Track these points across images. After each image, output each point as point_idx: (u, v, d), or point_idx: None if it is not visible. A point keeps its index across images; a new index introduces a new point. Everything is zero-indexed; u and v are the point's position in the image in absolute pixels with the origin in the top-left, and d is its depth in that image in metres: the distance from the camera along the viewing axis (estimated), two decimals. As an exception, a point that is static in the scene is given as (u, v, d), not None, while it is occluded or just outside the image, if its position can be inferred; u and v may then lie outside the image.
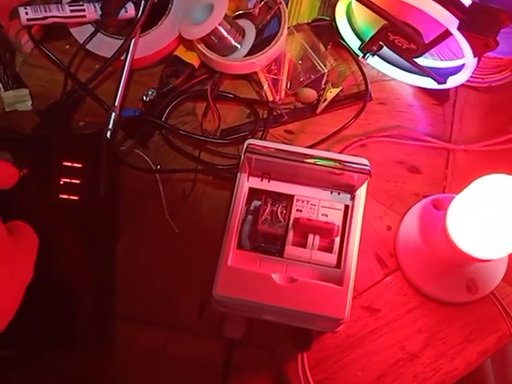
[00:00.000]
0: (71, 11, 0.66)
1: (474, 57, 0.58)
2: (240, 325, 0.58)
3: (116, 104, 0.65)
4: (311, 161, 0.50)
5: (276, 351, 0.59)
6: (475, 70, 0.62)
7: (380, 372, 0.59)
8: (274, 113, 0.67)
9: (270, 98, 0.68)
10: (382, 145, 0.67)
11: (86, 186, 0.57)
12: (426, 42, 0.61)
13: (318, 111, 0.68)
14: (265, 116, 0.68)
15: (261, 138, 0.66)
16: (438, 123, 0.69)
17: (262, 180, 0.55)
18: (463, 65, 0.61)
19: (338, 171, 0.50)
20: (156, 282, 0.62)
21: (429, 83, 0.68)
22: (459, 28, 0.55)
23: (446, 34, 0.57)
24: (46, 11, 0.65)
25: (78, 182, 0.57)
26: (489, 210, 0.49)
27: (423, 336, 0.60)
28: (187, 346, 0.60)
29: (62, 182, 0.57)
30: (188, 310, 0.60)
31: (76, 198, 0.57)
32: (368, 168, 0.49)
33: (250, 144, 0.50)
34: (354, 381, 0.58)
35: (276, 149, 0.51)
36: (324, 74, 0.68)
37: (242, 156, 0.52)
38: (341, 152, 0.66)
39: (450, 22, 0.55)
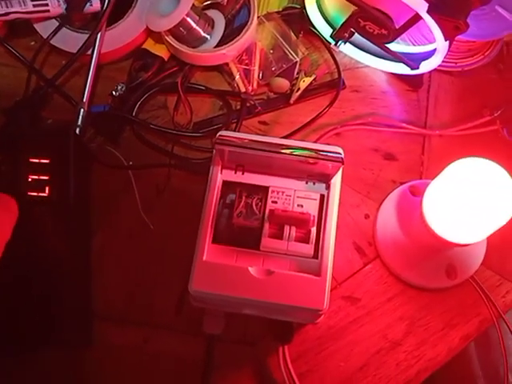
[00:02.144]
0: (34, 6, 0.64)
1: (445, 40, 0.57)
2: (219, 320, 0.57)
3: (84, 100, 0.63)
4: (283, 151, 0.49)
5: (257, 345, 0.58)
6: (448, 54, 0.61)
7: (363, 361, 0.58)
8: (247, 104, 0.66)
9: (243, 89, 0.67)
10: (356, 133, 0.67)
11: (56, 182, 0.56)
12: (397, 26, 0.60)
13: (291, 101, 0.67)
14: (238, 107, 0.67)
15: (235, 130, 0.65)
16: (413, 109, 0.69)
17: (235, 172, 0.54)
18: (435, 49, 0.61)
19: (311, 160, 0.49)
20: (132, 279, 0.60)
21: (402, 69, 0.67)
22: (429, 11, 0.54)
23: (416, 17, 0.57)
24: (7, 7, 0.63)
25: (46, 178, 0.56)
26: (463, 194, 0.49)
27: (405, 323, 0.60)
28: (167, 343, 0.59)
29: (30, 179, 0.56)
30: (166, 306, 0.59)
31: (45, 194, 0.56)
32: (341, 156, 0.48)
33: (219, 135, 0.49)
34: (336, 371, 0.58)
35: (248, 140, 0.50)
36: (296, 62, 0.67)
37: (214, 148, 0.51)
38: (316, 141, 0.65)
39: (420, 5, 0.54)
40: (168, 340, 0.59)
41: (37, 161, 0.56)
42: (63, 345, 0.55)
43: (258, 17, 0.68)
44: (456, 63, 0.70)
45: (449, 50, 0.60)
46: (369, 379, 0.58)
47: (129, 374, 0.58)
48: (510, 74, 0.70)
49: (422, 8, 0.55)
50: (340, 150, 0.51)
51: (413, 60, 0.65)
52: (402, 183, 0.65)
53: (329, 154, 0.49)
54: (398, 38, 0.63)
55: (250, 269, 0.49)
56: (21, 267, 0.55)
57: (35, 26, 0.67)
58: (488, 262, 0.61)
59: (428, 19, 0.55)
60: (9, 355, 0.56)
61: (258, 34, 0.68)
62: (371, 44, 0.65)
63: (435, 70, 0.65)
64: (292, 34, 0.68)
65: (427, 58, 0.64)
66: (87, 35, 0.65)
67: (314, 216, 0.52)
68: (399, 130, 0.67)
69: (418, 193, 0.62)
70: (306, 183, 0.54)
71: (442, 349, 0.59)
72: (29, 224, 0.55)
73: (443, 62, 0.63)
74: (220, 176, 0.53)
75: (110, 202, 0.63)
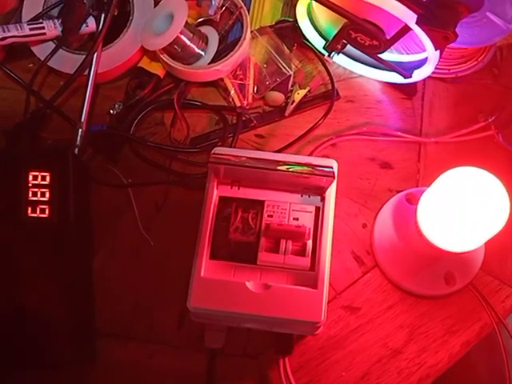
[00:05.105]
0: (30, 30, 0.65)
1: (436, 50, 0.58)
2: (220, 334, 0.57)
3: (82, 120, 0.65)
4: (276, 167, 0.49)
5: (258, 358, 0.59)
6: (441, 61, 0.62)
7: (364, 370, 0.59)
8: (243, 118, 0.67)
9: (238, 104, 0.67)
10: (352, 143, 0.67)
11: (56, 203, 0.57)
12: (388, 37, 0.61)
13: (286, 113, 0.68)
14: (234, 122, 0.68)
15: (231, 144, 0.66)
16: (408, 117, 0.69)
17: (231, 188, 0.55)
18: (427, 58, 0.61)
19: (304, 175, 0.50)
20: (134, 296, 0.61)
21: (395, 78, 0.68)
22: (418, 22, 0.55)
23: (406, 28, 0.57)
24: (4, 32, 0.64)
25: (46, 199, 0.57)
26: (456, 203, 0.49)
27: (405, 331, 0.60)
28: (170, 358, 0.59)
29: (30, 200, 0.57)
30: (168, 322, 0.60)
31: (46, 215, 0.56)
32: (332, 171, 0.49)
33: (213, 154, 0.50)
34: (338, 381, 0.58)
35: (241, 156, 0.50)
36: (290, 76, 0.67)
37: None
38: (311, 153, 0.66)
39: (409, 16, 0.55)
40: (170, 355, 0.59)
41: (37, 182, 0.57)
42: (67, 364, 0.56)
43: (251, 31, 0.68)
44: (449, 70, 0.70)
45: (440, 58, 0.61)
46: (371, 388, 0.58)
47: (132, 390, 0.59)
48: (505, 79, 0.71)
49: (410, 19, 0.55)
50: (333, 164, 0.51)
51: (405, 69, 0.66)
52: (398, 191, 0.65)
53: (322, 168, 0.50)
54: (391, 48, 0.63)
55: (247, 283, 0.50)
56: (22, 287, 0.56)
57: (32, 48, 0.68)
58: (487, 267, 0.62)
59: (417, 30, 0.56)
60: (13, 372, 0.57)
61: (251, 49, 0.69)
62: (364, 54, 0.66)
63: (429, 77, 0.66)
64: (285, 47, 0.69)
65: (419, 67, 0.64)
66: (84, 56, 0.66)
67: (309, 229, 0.52)
68: (395, 139, 0.67)
69: (414, 201, 0.63)
70: (301, 196, 0.54)
71: (444, 355, 0.59)
72: (29, 245, 0.56)
73: (436, 68, 0.64)
74: (216, 192, 0.54)
75: (111, 220, 0.64)
